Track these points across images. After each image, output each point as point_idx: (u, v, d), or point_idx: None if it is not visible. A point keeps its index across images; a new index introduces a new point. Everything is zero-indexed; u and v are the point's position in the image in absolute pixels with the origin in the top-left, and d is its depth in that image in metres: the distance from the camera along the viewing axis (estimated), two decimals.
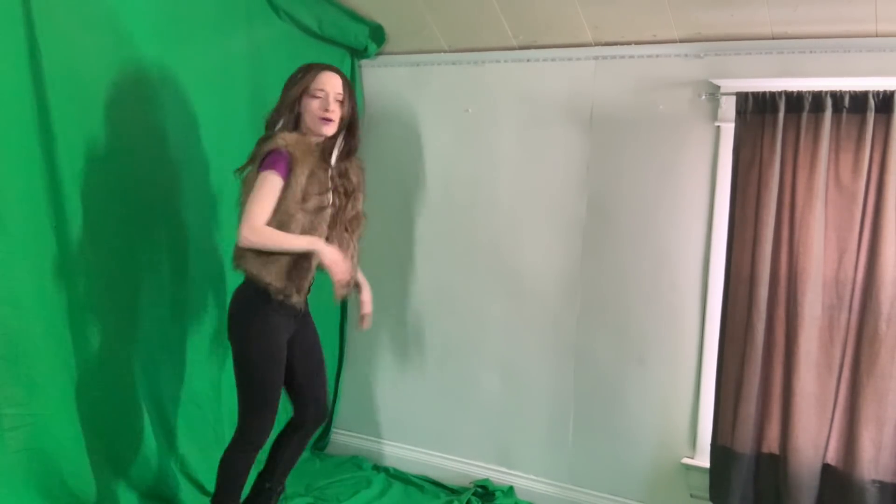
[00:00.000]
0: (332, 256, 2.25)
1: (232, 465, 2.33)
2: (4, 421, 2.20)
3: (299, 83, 2.32)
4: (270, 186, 2.17)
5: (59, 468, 2.34)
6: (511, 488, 3.18)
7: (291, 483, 2.73)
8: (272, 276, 2.21)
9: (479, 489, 3.18)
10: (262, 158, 2.22)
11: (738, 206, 2.60)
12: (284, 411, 2.53)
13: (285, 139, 2.23)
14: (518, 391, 3.19)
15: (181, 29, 2.61)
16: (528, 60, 3.05)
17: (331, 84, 2.33)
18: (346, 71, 3.35)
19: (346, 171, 2.40)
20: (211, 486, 2.87)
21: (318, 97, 2.30)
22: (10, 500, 2.21)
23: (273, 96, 3.02)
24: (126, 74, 2.44)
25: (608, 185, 2.95)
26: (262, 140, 2.30)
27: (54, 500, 2.33)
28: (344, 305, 3.54)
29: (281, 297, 2.24)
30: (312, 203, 2.25)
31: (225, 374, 2.94)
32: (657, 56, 2.80)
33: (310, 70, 2.34)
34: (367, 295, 2.58)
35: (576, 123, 2.98)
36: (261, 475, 2.56)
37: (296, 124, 2.33)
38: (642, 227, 2.88)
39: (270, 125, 2.34)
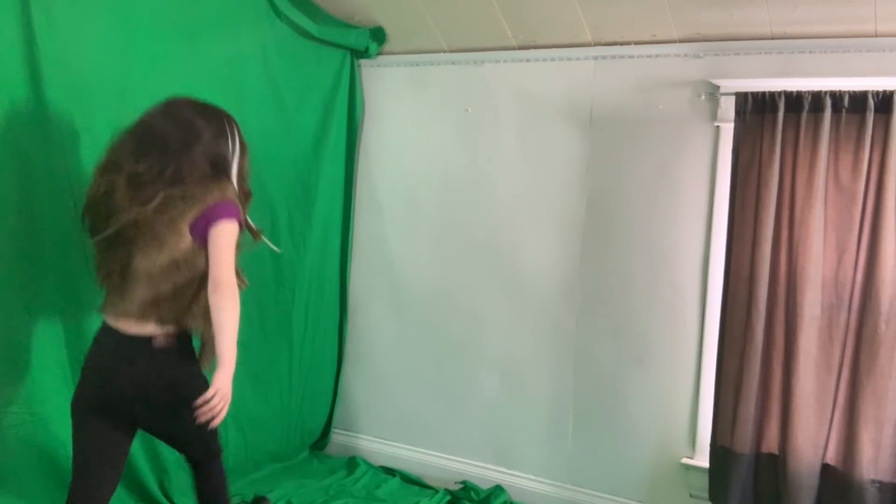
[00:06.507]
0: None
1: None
2: (6, 418, 2.21)
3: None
4: None
5: (60, 466, 2.35)
6: (498, 486, 3.18)
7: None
8: None
9: (468, 489, 3.20)
10: None
11: (737, 206, 2.60)
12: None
13: None
14: (517, 391, 3.19)
15: (182, 29, 2.62)
16: (527, 60, 3.05)
17: None
18: (346, 71, 3.36)
19: None
20: None
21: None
22: (10, 497, 2.22)
23: (274, 96, 3.05)
24: (126, 72, 2.45)
25: (608, 184, 2.95)
26: None
27: (54, 497, 2.34)
28: (343, 303, 3.54)
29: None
30: None
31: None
32: (657, 56, 2.80)
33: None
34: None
35: (575, 123, 2.98)
36: None
37: None
38: (642, 226, 2.88)
39: None
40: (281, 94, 3.07)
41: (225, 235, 1.96)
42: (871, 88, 2.37)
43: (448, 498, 3.13)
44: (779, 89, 2.49)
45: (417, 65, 3.30)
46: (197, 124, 1.99)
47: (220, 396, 1.92)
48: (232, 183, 2.04)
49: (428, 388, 3.40)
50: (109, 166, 1.97)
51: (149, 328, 1.95)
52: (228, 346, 1.93)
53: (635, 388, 2.94)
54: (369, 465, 3.42)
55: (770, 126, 2.51)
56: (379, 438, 3.55)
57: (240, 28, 2.86)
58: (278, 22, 3.01)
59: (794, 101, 2.47)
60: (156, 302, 1.94)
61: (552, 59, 3.00)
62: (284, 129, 3.12)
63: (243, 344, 3.10)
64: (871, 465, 2.44)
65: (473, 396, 3.28)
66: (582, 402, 3.06)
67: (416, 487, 3.26)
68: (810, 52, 2.55)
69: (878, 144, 2.39)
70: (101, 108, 2.37)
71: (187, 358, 2.04)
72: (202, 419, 1.91)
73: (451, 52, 3.21)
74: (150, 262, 1.92)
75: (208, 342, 2.01)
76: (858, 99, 2.39)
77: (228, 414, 2.94)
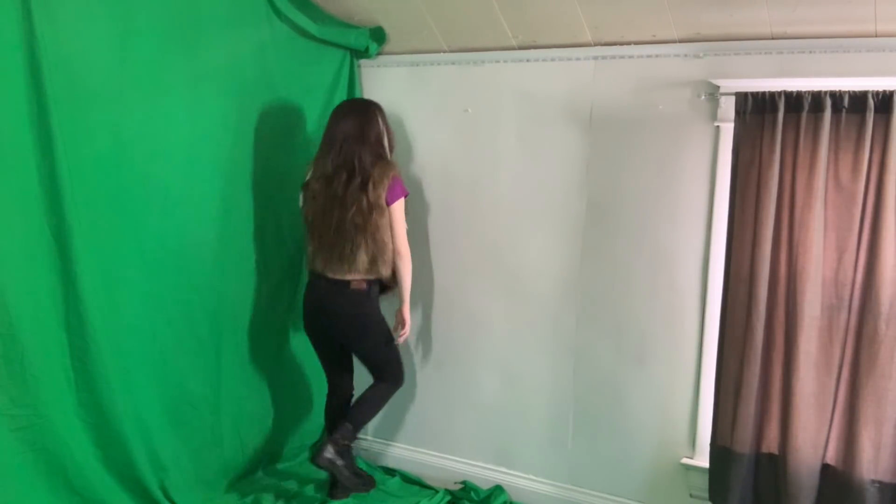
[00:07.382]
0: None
1: (386, 399, 3.07)
2: (10, 421, 2.21)
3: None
4: None
5: (64, 468, 2.36)
6: (498, 486, 3.19)
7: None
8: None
9: (468, 489, 3.21)
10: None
11: (737, 206, 2.59)
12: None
13: None
14: (518, 391, 3.19)
15: (182, 29, 2.62)
16: (527, 60, 3.05)
17: None
18: (346, 70, 3.36)
19: None
20: (204, 483, 2.89)
21: None
22: (15, 499, 2.23)
23: (274, 96, 3.05)
24: (127, 72, 2.45)
25: (608, 184, 2.95)
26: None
27: (59, 499, 2.35)
28: None
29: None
30: None
31: (223, 375, 2.95)
32: (657, 56, 2.80)
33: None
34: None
35: (575, 123, 2.98)
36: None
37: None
38: (642, 227, 2.88)
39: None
40: (280, 94, 3.07)
41: (400, 211, 2.84)
42: (871, 88, 2.36)
43: (448, 498, 3.14)
44: (779, 89, 2.48)
45: (417, 65, 3.30)
46: (363, 125, 2.82)
47: (404, 323, 3.04)
48: (394, 161, 2.89)
49: (428, 389, 3.40)
50: (319, 169, 2.83)
51: (350, 276, 2.83)
52: (407, 293, 2.98)
53: (635, 388, 2.94)
54: (369, 465, 3.43)
55: (770, 126, 2.51)
56: (379, 438, 3.55)
57: (239, 28, 2.86)
58: (278, 22, 3.01)
59: (794, 101, 2.47)
60: (361, 257, 2.79)
61: (552, 59, 3.00)
62: (284, 129, 3.12)
63: (239, 344, 3.13)
64: (871, 465, 2.44)
65: (473, 397, 3.29)
66: (582, 402, 3.06)
67: (416, 487, 3.27)
68: (810, 52, 2.54)
69: (878, 144, 2.38)
70: (100, 108, 2.38)
71: (374, 298, 2.92)
72: (400, 340, 3.06)
73: (451, 52, 3.21)
74: (355, 230, 2.75)
75: (390, 285, 2.98)
76: (858, 99, 2.38)
77: (226, 415, 3.01)
